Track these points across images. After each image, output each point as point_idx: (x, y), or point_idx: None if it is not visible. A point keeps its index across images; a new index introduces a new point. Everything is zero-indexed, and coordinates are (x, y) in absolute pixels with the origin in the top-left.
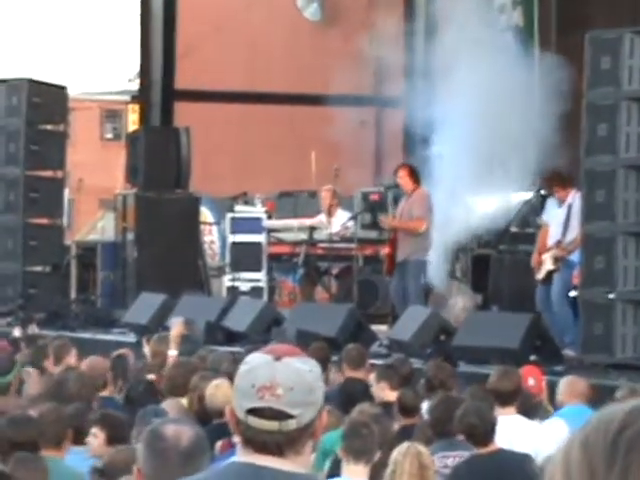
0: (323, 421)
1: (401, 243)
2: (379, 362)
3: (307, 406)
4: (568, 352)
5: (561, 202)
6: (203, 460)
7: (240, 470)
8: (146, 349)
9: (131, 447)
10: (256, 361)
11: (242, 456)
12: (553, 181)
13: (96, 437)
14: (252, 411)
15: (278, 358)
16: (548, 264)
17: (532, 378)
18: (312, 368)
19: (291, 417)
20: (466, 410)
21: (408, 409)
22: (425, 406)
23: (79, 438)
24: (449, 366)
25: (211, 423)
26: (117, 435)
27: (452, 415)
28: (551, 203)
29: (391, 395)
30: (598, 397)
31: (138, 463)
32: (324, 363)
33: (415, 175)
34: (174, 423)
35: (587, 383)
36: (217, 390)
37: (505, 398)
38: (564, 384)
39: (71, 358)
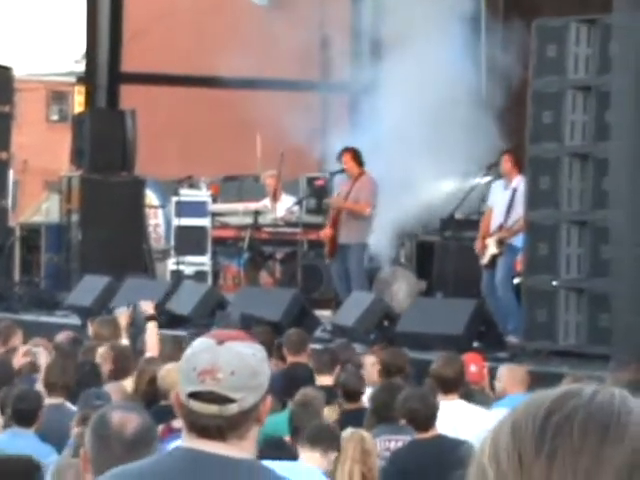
0: (267, 405)
1: (344, 226)
2: (322, 347)
3: (249, 390)
4: (511, 338)
5: (507, 185)
6: (148, 450)
7: (181, 455)
8: (90, 331)
9: None
10: (199, 345)
11: (185, 441)
12: (507, 155)
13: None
14: (193, 395)
15: (221, 342)
16: (492, 248)
17: (474, 365)
18: (256, 352)
19: (232, 401)
20: (408, 395)
21: (351, 394)
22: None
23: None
24: (404, 352)
25: (158, 404)
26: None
27: (391, 401)
28: (495, 187)
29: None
30: (541, 384)
31: (85, 447)
32: (268, 347)
33: (359, 159)
34: (122, 410)
35: (526, 371)
36: (168, 373)
37: (448, 384)
38: (504, 373)
39: (17, 340)
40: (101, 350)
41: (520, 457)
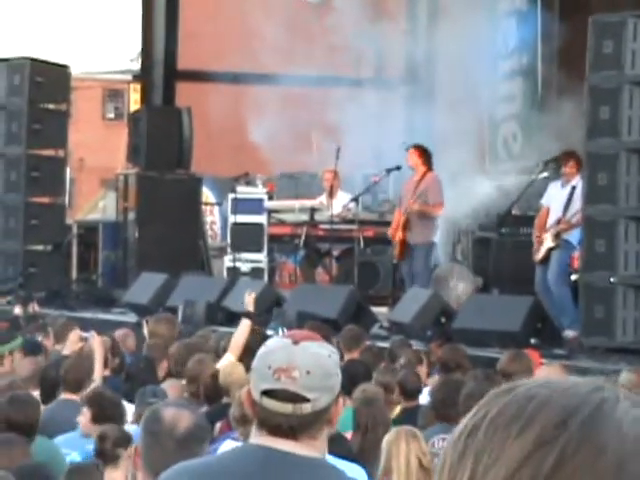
0: (339, 408)
1: (413, 227)
2: (379, 344)
3: (323, 391)
4: (567, 333)
5: (565, 183)
6: (200, 447)
7: (252, 452)
8: (145, 330)
9: (118, 426)
10: (274, 344)
11: (256, 438)
12: (570, 158)
13: (84, 416)
14: (267, 393)
15: (296, 342)
16: (548, 241)
17: None
18: (331, 353)
19: (306, 400)
20: (471, 392)
21: (410, 392)
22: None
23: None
24: (462, 348)
25: (219, 402)
26: (103, 413)
27: (454, 397)
28: (552, 186)
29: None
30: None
31: (137, 443)
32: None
33: (426, 156)
34: (175, 407)
35: (561, 368)
36: (231, 370)
37: (515, 380)
38: (540, 374)
39: (74, 336)
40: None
41: (444, 456)
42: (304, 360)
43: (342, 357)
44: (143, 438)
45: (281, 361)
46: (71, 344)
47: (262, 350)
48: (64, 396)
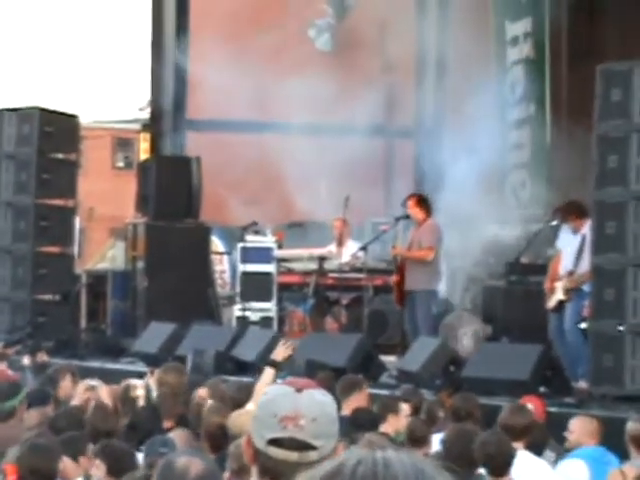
0: (339, 453)
1: (409, 273)
2: (387, 392)
3: (329, 437)
4: (581, 383)
5: (576, 231)
6: None
7: None
8: (150, 380)
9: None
10: (277, 392)
11: None
12: (569, 211)
13: (98, 469)
14: (273, 441)
15: (299, 390)
16: (559, 294)
17: (531, 404)
18: (332, 401)
19: (313, 448)
20: (486, 440)
21: (417, 439)
22: (436, 437)
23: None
24: (474, 397)
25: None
26: (118, 465)
27: (467, 447)
28: (564, 230)
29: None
30: (608, 429)
31: None
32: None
33: (424, 205)
34: (187, 455)
35: (598, 422)
36: (238, 418)
37: (516, 433)
38: (576, 424)
39: (67, 382)
40: None
41: None
42: (310, 408)
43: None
44: None
45: (287, 409)
46: (79, 394)
47: (264, 399)
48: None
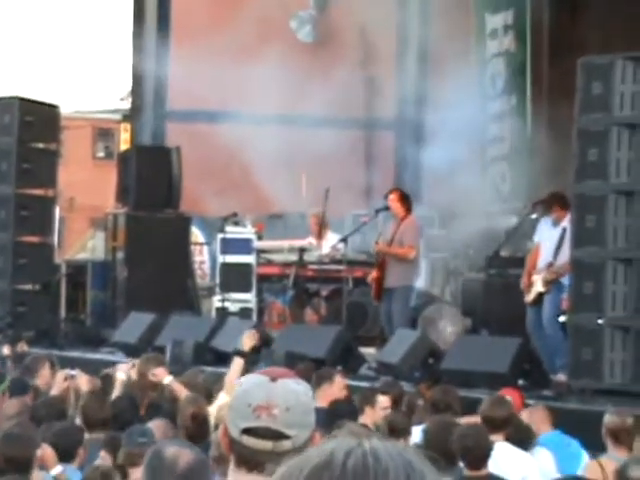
0: (316, 443)
1: (390, 269)
2: (367, 384)
3: (302, 427)
4: (560, 376)
5: (556, 223)
6: None
7: None
8: (132, 371)
9: None
10: (252, 381)
11: (234, 475)
12: (554, 201)
13: (104, 460)
14: (247, 431)
15: (274, 379)
16: (538, 286)
17: (508, 397)
18: (307, 390)
19: (287, 437)
20: (464, 433)
21: (398, 430)
22: (416, 429)
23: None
24: (454, 389)
25: (205, 441)
26: None
27: (447, 439)
28: (544, 224)
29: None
30: (586, 423)
31: None
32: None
33: (406, 200)
34: (177, 445)
35: (544, 409)
36: (222, 409)
37: (497, 425)
38: (525, 416)
39: (45, 371)
40: None
41: None
42: (283, 397)
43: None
44: (145, 475)
45: (261, 399)
46: (58, 384)
47: (239, 388)
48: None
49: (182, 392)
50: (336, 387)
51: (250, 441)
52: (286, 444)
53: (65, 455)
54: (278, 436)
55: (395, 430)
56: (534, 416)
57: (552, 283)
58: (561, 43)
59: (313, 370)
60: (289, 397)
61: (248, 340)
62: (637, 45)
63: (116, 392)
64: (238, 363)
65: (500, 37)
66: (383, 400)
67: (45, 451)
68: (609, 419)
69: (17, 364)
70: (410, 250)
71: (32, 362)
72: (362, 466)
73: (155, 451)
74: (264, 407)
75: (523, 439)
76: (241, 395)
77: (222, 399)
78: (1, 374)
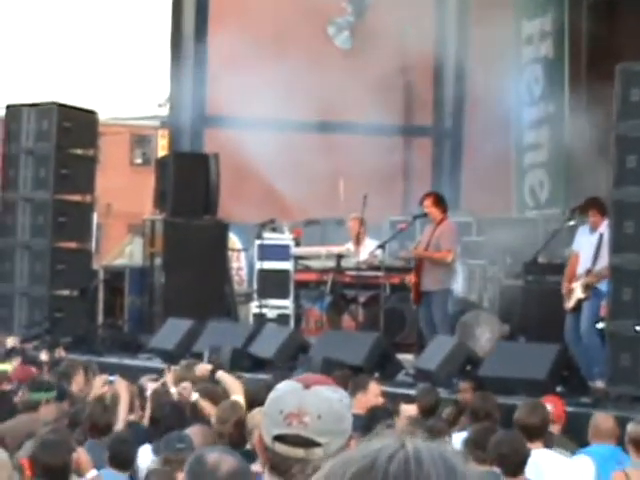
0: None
1: (426, 273)
2: (404, 391)
3: (335, 435)
4: (598, 383)
5: (593, 230)
6: None
7: None
8: (168, 377)
9: None
10: (285, 388)
11: None
12: (592, 206)
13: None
14: (279, 438)
15: (307, 386)
16: (578, 292)
17: (550, 404)
18: (342, 398)
19: (318, 445)
20: (500, 439)
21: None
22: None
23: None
24: (493, 397)
25: (243, 448)
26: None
27: (485, 444)
28: (581, 232)
29: None
30: (624, 430)
31: None
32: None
33: (441, 204)
34: (218, 452)
35: (614, 421)
36: (254, 416)
37: (533, 432)
38: (591, 422)
39: (79, 377)
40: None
41: None
42: (316, 405)
43: None
44: None
45: (292, 406)
46: (96, 389)
47: (273, 394)
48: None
49: (209, 410)
50: (371, 394)
51: (281, 448)
52: (317, 452)
53: (121, 464)
54: (309, 444)
55: (434, 437)
56: (594, 424)
57: (591, 289)
58: (599, 50)
59: (350, 377)
60: (321, 405)
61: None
62: None
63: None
64: (222, 374)
65: (536, 43)
66: (409, 409)
67: (80, 455)
68: (632, 428)
69: (54, 370)
70: (447, 254)
71: (67, 368)
72: (404, 471)
73: (197, 457)
74: (295, 414)
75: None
76: (274, 402)
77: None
78: (47, 382)
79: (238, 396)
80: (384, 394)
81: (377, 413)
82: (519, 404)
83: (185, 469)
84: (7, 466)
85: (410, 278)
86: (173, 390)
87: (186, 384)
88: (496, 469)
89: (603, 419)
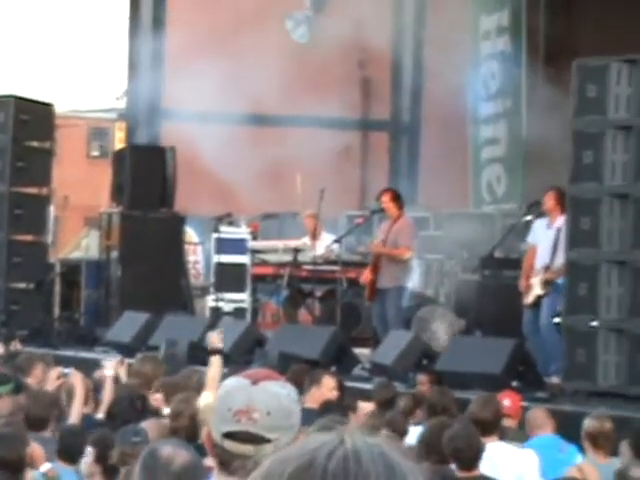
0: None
1: (384, 270)
2: (361, 385)
3: (284, 430)
4: (554, 379)
5: (550, 225)
6: None
7: None
8: (120, 370)
9: None
10: (233, 385)
11: (217, 479)
12: (556, 197)
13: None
14: (228, 435)
15: (255, 382)
16: (537, 289)
17: (508, 399)
18: (290, 392)
19: (268, 441)
20: (455, 434)
21: (398, 432)
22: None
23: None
24: (451, 392)
25: (196, 442)
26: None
27: (440, 440)
28: (538, 224)
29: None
30: (579, 425)
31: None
32: (301, 385)
33: (399, 200)
34: (172, 446)
35: (545, 412)
36: (204, 410)
37: (485, 426)
38: (526, 417)
39: (38, 370)
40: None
41: None
42: (264, 401)
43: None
44: (140, 474)
45: (241, 403)
46: (51, 381)
47: (221, 391)
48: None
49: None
50: (325, 388)
51: (231, 445)
52: (267, 448)
53: (69, 456)
54: (259, 440)
55: (394, 430)
56: (530, 417)
57: (550, 285)
58: (556, 45)
59: (307, 371)
60: (270, 401)
61: (217, 337)
62: (632, 47)
63: (107, 389)
64: (216, 362)
65: (494, 38)
66: (366, 406)
67: (33, 449)
68: (588, 423)
69: (9, 363)
70: (405, 251)
71: (25, 361)
72: (343, 469)
73: (150, 451)
74: (244, 411)
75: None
76: (222, 399)
77: (206, 399)
78: (4, 375)
79: (209, 393)
80: (340, 388)
81: (330, 408)
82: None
83: (139, 463)
84: None
85: (365, 276)
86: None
87: (158, 395)
88: (451, 466)
89: (535, 411)
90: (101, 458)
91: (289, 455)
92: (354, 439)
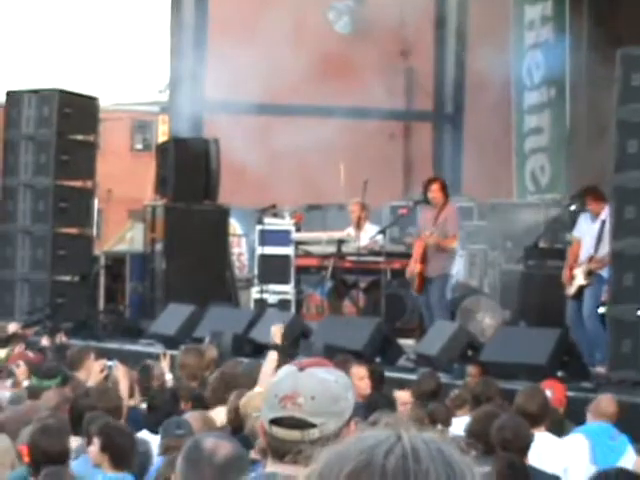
0: (351, 432)
1: (431, 259)
2: (405, 376)
3: (330, 415)
4: (599, 369)
5: (595, 217)
6: (238, 477)
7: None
8: (163, 363)
9: None
10: (283, 372)
11: (270, 466)
12: (587, 195)
13: (94, 445)
14: (275, 421)
15: (302, 369)
16: (580, 279)
17: (550, 390)
18: (338, 379)
19: (313, 426)
20: (503, 424)
21: (442, 423)
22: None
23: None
24: (495, 382)
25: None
26: (112, 442)
27: (489, 431)
28: (583, 218)
29: None
30: (626, 414)
31: (175, 473)
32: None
33: (446, 189)
34: (215, 437)
35: (614, 402)
36: (247, 402)
37: (531, 419)
38: (594, 401)
39: (89, 364)
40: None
41: None
42: (309, 386)
43: None
44: (182, 466)
45: (287, 389)
46: (95, 374)
47: (272, 380)
48: None
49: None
50: (355, 377)
51: (278, 431)
52: (313, 432)
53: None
54: (304, 425)
55: (435, 421)
56: (595, 403)
57: (593, 275)
58: (600, 34)
59: (351, 362)
60: (315, 386)
61: (279, 332)
62: None
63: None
64: (272, 356)
65: (537, 28)
66: (402, 395)
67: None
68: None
69: (56, 355)
70: (454, 240)
71: (76, 354)
72: (402, 468)
73: (194, 443)
74: (289, 397)
75: (558, 431)
76: (271, 387)
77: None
78: (53, 369)
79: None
80: (371, 376)
81: (377, 400)
82: (519, 390)
83: (181, 455)
84: (10, 451)
85: (411, 269)
86: (169, 376)
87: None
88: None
89: (606, 399)
90: (106, 447)
91: (346, 453)
92: (411, 435)
